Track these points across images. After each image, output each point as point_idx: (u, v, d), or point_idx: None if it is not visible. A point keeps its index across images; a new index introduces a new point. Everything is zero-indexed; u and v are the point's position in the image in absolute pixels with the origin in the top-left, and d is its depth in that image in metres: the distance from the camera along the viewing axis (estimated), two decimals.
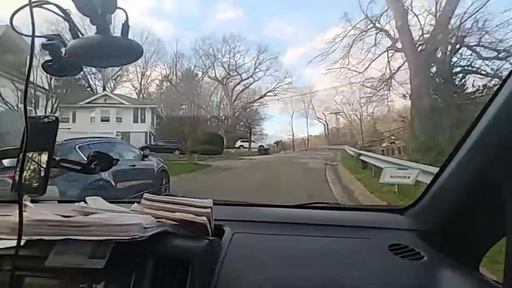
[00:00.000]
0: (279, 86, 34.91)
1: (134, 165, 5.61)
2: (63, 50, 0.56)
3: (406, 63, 14.32)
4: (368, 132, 29.46)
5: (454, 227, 0.70)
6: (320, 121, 39.65)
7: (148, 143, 24.28)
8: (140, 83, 31.68)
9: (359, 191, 6.39)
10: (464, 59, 12.50)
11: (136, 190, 4.80)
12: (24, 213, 0.57)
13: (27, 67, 0.52)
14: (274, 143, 37.99)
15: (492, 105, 0.58)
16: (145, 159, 6.13)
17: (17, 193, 0.55)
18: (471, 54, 12.24)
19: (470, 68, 12.12)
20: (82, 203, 0.69)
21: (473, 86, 12.02)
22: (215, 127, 31.64)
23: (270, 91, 35.04)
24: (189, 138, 16.62)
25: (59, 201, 0.94)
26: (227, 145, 30.18)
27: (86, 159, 0.72)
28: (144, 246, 0.58)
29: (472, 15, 11.96)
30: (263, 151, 25.04)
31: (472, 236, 0.69)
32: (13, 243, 0.55)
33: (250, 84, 35.59)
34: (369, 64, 16.53)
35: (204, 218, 0.67)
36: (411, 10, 14.10)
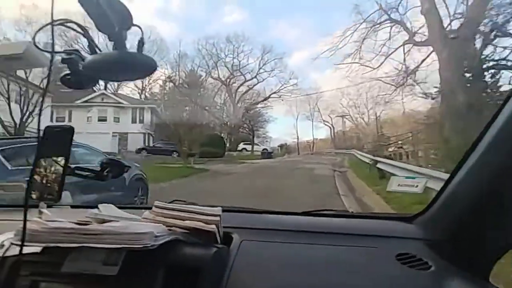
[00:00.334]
0: (284, 87, 34.37)
1: None
2: (80, 64, 0.59)
3: (426, 58, 12.39)
4: (375, 136, 28.37)
5: (464, 236, 0.69)
6: (326, 124, 39.22)
7: (146, 144, 22.87)
8: (143, 83, 30.48)
9: (381, 210, 5.02)
10: (497, 52, 10.50)
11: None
12: (41, 220, 0.64)
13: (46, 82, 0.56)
14: (278, 146, 37.53)
15: (503, 112, 0.59)
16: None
17: (32, 200, 0.60)
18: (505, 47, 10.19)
19: (504, 62, 10.12)
20: (95, 210, 0.72)
21: (510, 83, 10.06)
22: (218, 129, 30.67)
23: (274, 92, 34.53)
24: (186, 140, 15.07)
25: (72, 206, 0.95)
26: (230, 147, 29.78)
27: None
28: (156, 254, 0.60)
29: None
30: (266, 154, 23.68)
31: (482, 245, 0.68)
32: (31, 249, 0.59)
33: (254, 85, 35.18)
34: (385, 59, 14.81)
35: (214, 226, 0.69)
36: None
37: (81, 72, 0.59)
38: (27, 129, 13.80)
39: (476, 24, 10.59)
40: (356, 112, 34.98)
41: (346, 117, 35.82)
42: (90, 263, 0.61)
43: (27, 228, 0.60)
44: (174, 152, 19.17)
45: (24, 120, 14.14)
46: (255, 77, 34.68)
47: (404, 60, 14.44)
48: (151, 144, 22.71)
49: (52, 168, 0.63)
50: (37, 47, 0.58)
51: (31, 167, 0.63)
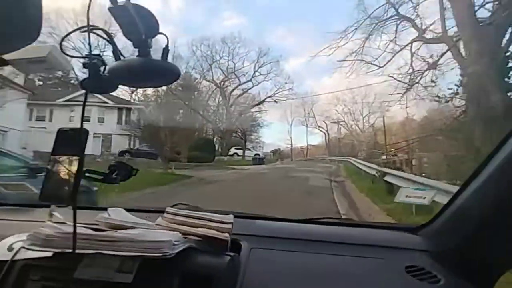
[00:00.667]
0: (279, 91, 33.64)
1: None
2: (101, 69, 0.60)
3: (446, 52, 11.19)
4: (375, 143, 28.70)
5: (470, 249, 0.70)
6: (321, 130, 38.86)
7: (132, 147, 21.25)
8: None
9: None
10: None
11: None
12: (54, 225, 0.64)
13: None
14: (271, 151, 37.11)
15: None
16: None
17: (46, 202, 0.60)
18: None
19: None
20: (105, 214, 0.72)
21: None
22: (209, 132, 30.42)
23: (269, 96, 33.77)
24: (168, 143, 13.61)
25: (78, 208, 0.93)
26: (221, 152, 29.16)
27: None
28: (171, 262, 0.60)
29: None
30: (257, 160, 22.49)
31: (489, 259, 0.69)
32: (44, 254, 0.59)
33: (249, 89, 34.54)
34: (393, 56, 13.42)
35: (227, 234, 0.70)
36: None
37: (101, 77, 0.60)
38: None
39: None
40: (350, 119, 35.19)
41: (341, 123, 35.65)
42: (104, 270, 0.61)
43: (38, 233, 0.61)
44: (165, 156, 17.63)
45: None
46: (250, 80, 34.04)
47: (412, 59, 13.01)
48: (138, 147, 21.08)
49: (65, 171, 0.61)
50: (63, 52, 0.61)
51: None
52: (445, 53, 11.70)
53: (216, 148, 30.07)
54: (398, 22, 13.96)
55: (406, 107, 13.94)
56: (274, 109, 42.61)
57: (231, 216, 0.76)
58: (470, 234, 0.70)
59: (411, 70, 13.41)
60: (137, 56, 0.57)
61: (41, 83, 22.75)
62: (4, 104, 12.66)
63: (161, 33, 0.57)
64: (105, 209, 0.78)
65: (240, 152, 29.04)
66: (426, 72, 12.77)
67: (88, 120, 22.43)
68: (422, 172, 9.65)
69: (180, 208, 0.85)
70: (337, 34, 15.63)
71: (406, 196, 3.93)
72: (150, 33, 0.56)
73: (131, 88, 32.02)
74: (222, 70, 33.63)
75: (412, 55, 13.19)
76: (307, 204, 6.69)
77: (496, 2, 9.66)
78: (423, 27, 12.76)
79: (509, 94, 8.47)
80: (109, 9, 0.52)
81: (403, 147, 15.21)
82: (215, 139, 30.45)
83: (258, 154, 28.35)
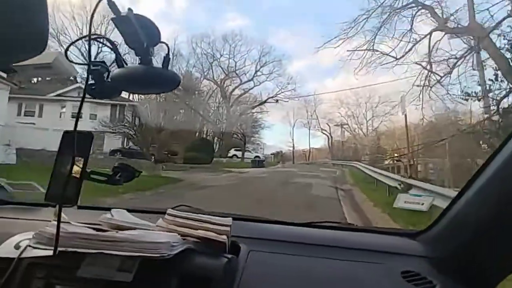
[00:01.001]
0: (282, 92, 32.57)
1: None
2: (105, 75, 0.63)
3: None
4: (373, 148, 28.35)
5: (469, 256, 0.71)
6: (324, 133, 37.70)
7: (125, 146, 19.82)
8: None
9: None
10: None
11: None
12: (62, 226, 0.64)
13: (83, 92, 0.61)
14: (271, 154, 36.30)
15: None
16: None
17: (51, 202, 0.64)
18: None
19: None
20: (108, 215, 0.75)
21: None
22: (211, 133, 29.64)
23: (271, 97, 32.65)
24: (158, 143, 12.20)
25: (79, 207, 0.90)
26: (220, 153, 28.16)
27: None
28: (169, 262, 0.63)
29: None
30: (257, 163, 21.30)
31: (487, 266, 0.70)
32: (49, 252, 0.62)
33: (250, 89, 33.64)
34: (413, 46, 11.73)
35: (225, 237, 0.73)
36: None
37: (105, 82, 0.63)
38: None
39: None
40: (354, 122, 34.43)
41: (344, 126, 34.68)
42: (105, 269, 0.63)
43: (43, 232, 0.64)
44: (152, 156, 16.87)
45: None
46: (252, 79, 33.21)
47: (430, 54, 11.35)
48: (130, 146, 19.72)
49: (70, 172, 0.64)
50: (68, 59, 0.63)
51: None
52: (477, 45, 9.94)
53: (216, 149, 28.73)
54: (415, 11, 12.25)
55: (422, 108, 12.32)
56: (276, 110, 41.77)
57: (230, 219, 0.78)
58: (468, 240, 0.72)
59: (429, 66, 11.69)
60: (139, 64, 0.59)
61: (39, 78, 21.33)
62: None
63: (162, 42, 0.60)
64: (108, 209, 0.81)
65: (239, 153, 28.44)
66: (445, 66, 11.11)
67: (80, 117, 21.01)
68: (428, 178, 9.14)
69: (182, 210, 0.88)
70: (346, 24, 14.11)
71: (405, 202, 3.73)
72: (151, 42, 0.58)
73: None
74: (222, 68, 32.95)
75: (430, 49, 11.53)
76: (311, 220, 5.12)
77: None
78: (444, 16, 11.06)
79: None
80: (112, 19, 0.54)
81: (418, 150, 13.66)
82: (215, 139, 28.90)
83: (258, 156, 27.16)
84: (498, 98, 8.36)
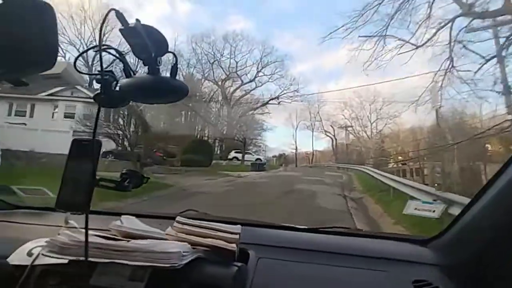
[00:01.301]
0: (284, 93, 31.72)
1: None
2: (113, 84, 0.64)
3: None
4: (377, 151, 27.40)
5: (482, 264, 0.70)
6: (328, 135, 36.86)
7: (119, 147, 18.52)
8: None
9: None
10: None
11: None
12: (70, 233, 0.67)
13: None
14: (273, 156, 35.51)
15: None
16: None
17: (62, 210, 0.64)
18: None
19: None
20: (118, 222, 0.77)
21: None
22: (211, 135, 28.66)
23: (273, 98, 31.91)
24: (144, 144, 11.01)
25: (91, 212, 0.96)
26: (220, 155, 27.61)
27: None
28: (180, 272, 0.64)
29: None
30: (257, 166, 20.15)
31: (501, 275, 0.68)
32: (60, 260, 0.63)
33: (252, 90, 32.91)
34: (436, 32, 10.21)
35: (234, 245, 0.73)
36: None
37: (114, 92, 0.63)
38: None
39: None
40: (358, 125, 33.64)
41: (348, 128, 33.98)
42: (117, 278, 0.64)
43: (55, 240, 0.66)
44: (148, 159, 15.67)
45: None
46: (253, 80, 32.59)
47: (451, 43, 9.81)
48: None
49: (79, 180, 0.65)
50: (77, 70, 0.64)
51: None
52: None
53: (217, 151, 27.46)
54: None
55: (440, 107, 10.85)
56: (279, 112, 40.94)
57: (239, 226, 0.79)
58: (481, 248, 0.71)
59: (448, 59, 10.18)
60: (147, 74, 0.60)
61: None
62: None
63: (170, 52, 0.61)
64: (118, 214, 0.84)
65: (240, 156, 27.48)
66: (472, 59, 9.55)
67: (72, 117, 20.03)
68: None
69: (189, 214, 0.92)
70: (356, 12, 12.30)
71: (415, 209, 3.27)
72: (159, 52, 0.59)
73: None
74: (223, 68, 32.17)
75: (451, 40, 9.99)
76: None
77: None
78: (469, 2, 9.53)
79: None
80: (120, 30, 0.55)
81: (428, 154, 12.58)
82: (216, 141, 27.69)
83: (259, 159, 26.01)
84: None
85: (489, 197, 0.68)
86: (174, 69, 0.61)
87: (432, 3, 10.71)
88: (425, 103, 11.45)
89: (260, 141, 33.36)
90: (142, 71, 0.62)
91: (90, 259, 0.61)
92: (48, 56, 0.42)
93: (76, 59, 0.64)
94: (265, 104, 31.81)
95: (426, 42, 10.84)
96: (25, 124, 18.38)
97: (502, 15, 8.62)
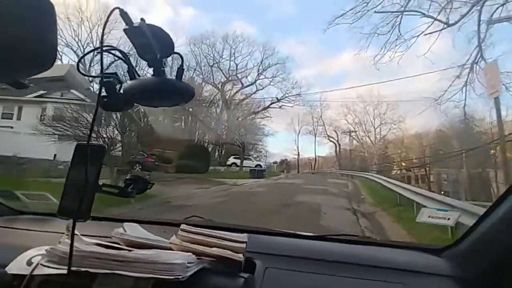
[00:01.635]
0: (285, 97, 30.43)
1: None
2: (117, 87, 0.63)
3: None
4: (381, 157, 26.56)
5: (499, 276, 0.67)
6: (331, 140, 35.80)
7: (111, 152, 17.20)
8: None
9: None
10: None
11: None
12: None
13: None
14: (274, 162, 34.73)
15: None
16: None
17: (64, 216, 0.62)
18: None
19: None
20: (120, 229, 0.75)
21: None
22: (212, 140, 27.36)
23: (274, 102, 30.65)
24: (127, 146, 9.84)
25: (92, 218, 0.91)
26: (219, 161, 26.52)
27: None
28: (184, 283, 0.62)
29: None
30: (256, 173, 18.91)
31: None
32: (61, 271, 0.62)
33: (253, 93, 31.66)
34: (468, 11, 8.80)
35: (241, 255, 0.71)
36: None
37: (118, 94, 0.62)
38: None
39: None
40: (362, 130, 32.43)
41: (352, 134, 32.65)
42: None
43: (55, 249, 0.63)
44: (137, 164, 14.90)
45: None
46: (254, 83, 31.56)
47: (479, 28, 8.37)
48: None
49: (82, 186, 0.63)
50: (79, 71, 0.63)
51: None
52: None
53: (216, 156, 26.17)
54: None
55: (465, 105, 9.40)
56: (280, 116, 39.68)
57: (245, 235, 0.76)
58: (498, 259, 0.68)
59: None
60: (151, 75, 0.58)
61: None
62: None
63: (176, 53, 0.59)
64: (120, 220, 0.83)
65: (239, 161, 25.53)
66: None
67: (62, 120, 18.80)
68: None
69: (194, 221, 0.89)
70: None
71: (429, 216, 3.09)
72: (164, 53, 0.57)
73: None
74: (222, 70, 31.08)
75: (479, 24, 8.47)
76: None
77: None
78: None
79: None
80: (125, 30, 0.53)
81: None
82: (216, 146, 26.45)
83: (259, 165, 24.89)
84: None
85: (507, 206, 0.66)
86: (180, 71, 0.59)
87: None
88: (447, 101, 9.93)
89: (261, 146, 32.71)
90: (144, 72, 0.62)
91: (89, 269, 0.61)
92: (46, 57, 0.41)
93: (79, 60, 0.65)
94: (266, 108, 31.15)
95: (459, 20, 9.09)
96: (12, 127, 17.32)
97: None
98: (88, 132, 0.58)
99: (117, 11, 0.51)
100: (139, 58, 0.57)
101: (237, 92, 31.53)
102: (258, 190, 12.21)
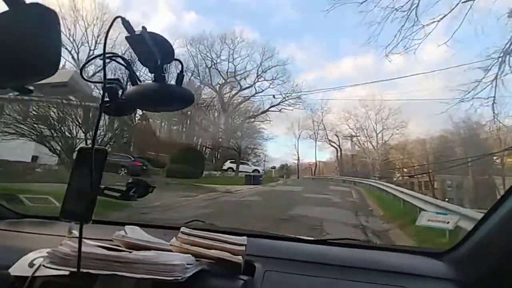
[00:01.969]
0: (286, 100, 29.24)
1: None
2: (120, 93, 0.65)
3: None
4: (383, 163, 25.60)
5: (499, 279, 0.67)
6: (332, 145, 34.58)
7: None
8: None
9: None
10: None
11: None
12: (72, 244, 0.65)
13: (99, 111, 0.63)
14: (272, 167, 32.80)
15: None
16: None
17: (66, 219, 0.64)
18: None
19: None
20: (122, 232, 0.76)
21: None
22: (204, 143, 26.52)
23: (274, 105, 29.48)
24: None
25: (93, 221, 0.92)
26: (215, 165, 25.26)
27: None
28: (183, 284, 0.63)
29: None
30: (251, 179, 17.75)
31: None
32: (62, 272, 0.63)
33: (252, 96, 30.40)
34: None
35: (240, 257, 0.73)
36: None
37: (120, 100, 0.64)
38: None
39: None
40: (363, 135, 31.15)
41: (353, 139, 31.51)
42: None
43: (57, 251, 0.64)
44: (123, 168, 13.69)
45: None
46: (253, 85, 30.54)
47: None
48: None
49: (84, 189, 0.65)
50: (83, 77, 0.64)
51: None
52: None
53: (213, 161, 24.83)
54: None
55: (494, 103, 8.01)
56: (280, 120, 39.29)
57: (245, 238, 0.78)
58: (498, 263, 0.68)
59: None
60: (152, 81, 0.60)
61: None
62: None
63: (176, 59, 0.61)
64: (122, 224, 0.83)
65: (235, 166, 24.03)
66: None
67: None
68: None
69: (195, 225, 0.90)
70: None
71: (428, 220, 3.18)
72: (165, 59, 0.59)
73: None
74: (219, 71, 30.11)
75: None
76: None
77: None
78: None
79: None
80: (126, 38, 0.55)
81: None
82: (211, 150, 25.16)
83: (257, 170, 23.93)
84: None
85: (506, 210, 0.67)
86: (180, 77, 0.61)
87: None
88: (472, 98, 8.46)
89: (260, 151, 31.93)
90: (144, 78, 0.64)
91: (90, 271, 0.62)
92: (50, 63, 0.41)
93: (83, 66, 0.66)
94: (266, 111, 30.17)
95: None
96: None
97: None
98: (92, 137, 0.66)
99: (119, 19, 0.52)
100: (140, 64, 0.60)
101: (235, 94, 30.67)
102: (251, 199, 10.83)
